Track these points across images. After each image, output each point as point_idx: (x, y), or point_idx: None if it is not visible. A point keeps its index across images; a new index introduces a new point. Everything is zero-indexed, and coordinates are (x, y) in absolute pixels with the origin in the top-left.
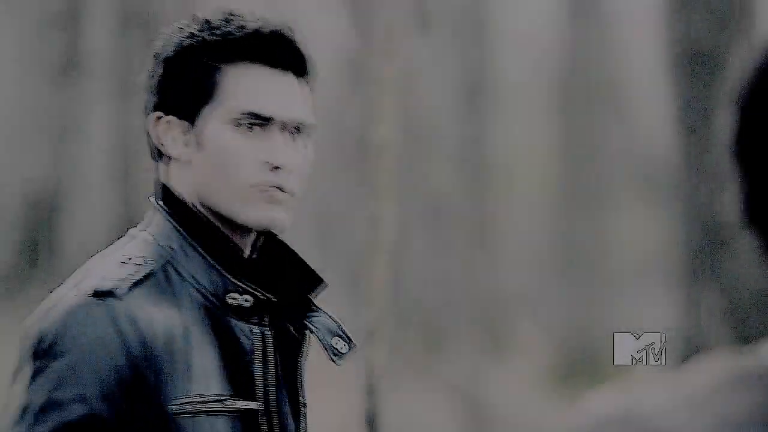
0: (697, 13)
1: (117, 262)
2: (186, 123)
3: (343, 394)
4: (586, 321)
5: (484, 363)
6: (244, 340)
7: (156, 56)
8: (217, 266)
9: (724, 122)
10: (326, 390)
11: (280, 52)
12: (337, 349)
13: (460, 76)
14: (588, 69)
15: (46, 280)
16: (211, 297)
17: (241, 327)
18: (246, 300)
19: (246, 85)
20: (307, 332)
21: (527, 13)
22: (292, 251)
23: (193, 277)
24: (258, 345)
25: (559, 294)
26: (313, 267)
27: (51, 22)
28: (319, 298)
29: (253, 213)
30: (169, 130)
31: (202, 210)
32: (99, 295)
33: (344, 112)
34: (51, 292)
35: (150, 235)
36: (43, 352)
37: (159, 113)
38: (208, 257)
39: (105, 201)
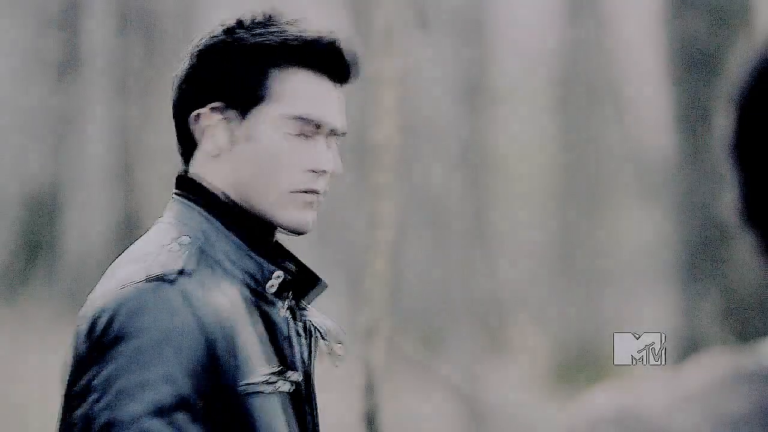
0: (696, 12)
1: (165, 246)
2: (238, 119)
3: (342, 393)
4: (585, 320)
5: (482, 362)
6: (279, 323)
7: (201, 52)
8: (252, 253)
9: (723, 122)
10: (325, 389)
11: (335, 63)
12: (337, 353)
13: (459, 75)
14: (587, 68)
15: (45, 279)
16: (249, 281)
17: (275, 311)
18: (274, 286)
19: (297, 90)
20: (313, 329)
21: (526, 13)
22: (290, 252)
23: (230, 261)
24: (289, 330)
25: (557, 293)
26: (313, 266)
27: (51, 21)
28: (319, 295)
29: (287, 215)
30: (219, 124)
31: (237, 201)
32: (166, 277)
33: None
34: (52, 290)
35: (181, 223)
36: (122, 335)
37: (215, 104)
38: (244, 244)
39: (104, 200)
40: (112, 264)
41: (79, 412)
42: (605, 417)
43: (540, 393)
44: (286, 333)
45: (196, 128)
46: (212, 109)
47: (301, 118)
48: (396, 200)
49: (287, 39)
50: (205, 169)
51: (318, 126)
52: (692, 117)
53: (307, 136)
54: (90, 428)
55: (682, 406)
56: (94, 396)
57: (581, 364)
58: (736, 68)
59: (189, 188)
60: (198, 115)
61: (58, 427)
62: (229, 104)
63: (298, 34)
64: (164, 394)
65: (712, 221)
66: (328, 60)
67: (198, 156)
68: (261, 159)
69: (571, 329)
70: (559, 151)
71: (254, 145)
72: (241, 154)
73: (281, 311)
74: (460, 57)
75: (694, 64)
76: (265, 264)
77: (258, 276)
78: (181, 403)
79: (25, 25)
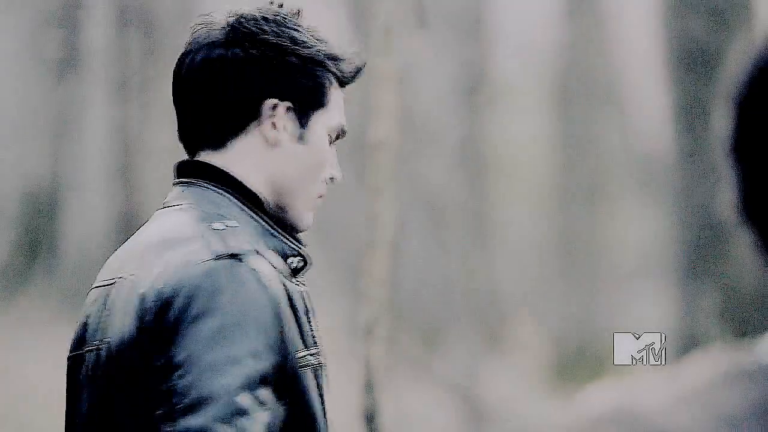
0: (695, 11)
1: (212, 227)
2: (299, 119)
3: (341, 391)
4: (584, 318)
5: (482, 360)
6: (303, 299)
7: (258, 41)
8: (274, 231)
9: (722, 120)
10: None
11: (354, 79)
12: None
13: (458, 73)
14: (586, 67)
15: (44, 277)
16: (274, 259)
17: (298, 288)
18: (299, 262)
19: (338, 101)
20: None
21: (525, 11)
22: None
23: (262, 241)
24: (309, 305)
25: (556, 291)
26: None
27: (50, 19)
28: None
29: (305, 215)
30: (287, 119)
31: (267, 194)
32: (237, 255)
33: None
34: (51, 288)
35: (213, 206)
36: (203, 313)
37: (288, 103)
38: (270, 225)
39: (103, 198)
40: (136, 248)
41: (163, 386)
42: (604, 415)
43: (539, 391)
44: (308, 307)
45: (264, 116)
46: (288, 108)
47: (342, 129)
48: (395, 199)
49: (338, 57)
50: (247, 160)
51: (343, 136)
52: (691, 115)
53: (332, 144)
54: (177, 403)
55: (681, 404)
56: (179, 372)
57: (581, 362)
58: (735, 65)
59: (213, 176)
60: (275, 106)
61: (84, 402)
62: (295, 103)
63: (344, 54)
64: (251, 369)
65: (711, 219)
66: (353, 78)
67: (238, 144)
68: (309, 161)
69: (571, 327)
70: (558, 149)
71: (307, 147)
72: (291, 152)
73: (301, 287)
74: (460, 55)
75: (693, 63)
76: (290, 241)
77: (282, 253)
78: (265, 378)
79: (24, 23)
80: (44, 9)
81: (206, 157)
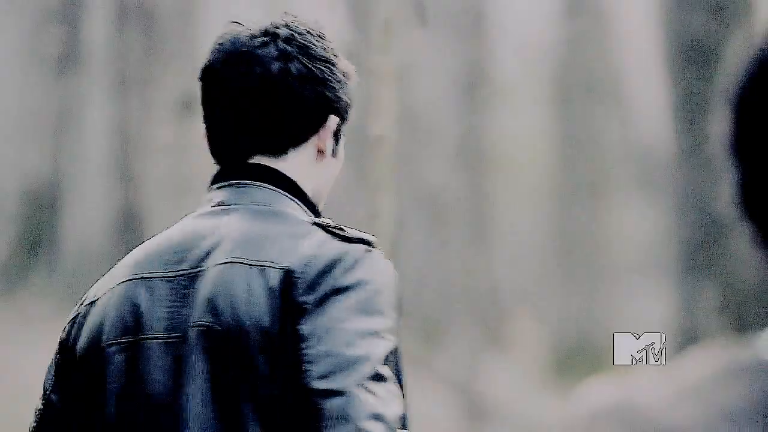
0: (695, 7)
1: (317, 221)
2: (337, 133)
3: None
4: (584, 314)
5: (482, 357)
6: None
7: (329, 60)
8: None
9: (722, 115)
10: None
11: None
12: None
13: (457, 70)
14: (586, 63)
15: (44, 274)
16: None
17: None
18: None
19: None
20: None
21: (525, 7)
22: None
23: None
24: None
25: (556, 288)
26: None
27: (50, 16)
28: None
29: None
30: (332, 133)
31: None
32: (372, 242)
33: None
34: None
35: (296, 207)
36: (342, 287)
37: (338, 119)
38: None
39: (103, 194)
40: (223, 238)
41: (300, 354)
42: (603, 410)
43: (539, 388)
44: None
45: (326, 130)
46: (338, 125)
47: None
48: (394, 194)
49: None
50: (306, 169)
51: None
52: (691, 112)
53: None
54: (315, 369)
55: (680, 400)
56: (318, 340)
57: (580, 359)
58: (734, 61)
59: (279, 183)
60: (334, 122)
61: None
62: (340, 118)
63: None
64: (388, 343)
65: (710, 215)
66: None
67: (296, 153)
68: (335, 174)
69: (571, 324)
70: (558, 146)
71: (336, 161)
72: (328, 164)
73: None
74: (459, 53)
75: (692, 60)
76: None
77: None
78: (393, 352)
79: (25, 20)
80: (44, 6)
81: (265, 161)
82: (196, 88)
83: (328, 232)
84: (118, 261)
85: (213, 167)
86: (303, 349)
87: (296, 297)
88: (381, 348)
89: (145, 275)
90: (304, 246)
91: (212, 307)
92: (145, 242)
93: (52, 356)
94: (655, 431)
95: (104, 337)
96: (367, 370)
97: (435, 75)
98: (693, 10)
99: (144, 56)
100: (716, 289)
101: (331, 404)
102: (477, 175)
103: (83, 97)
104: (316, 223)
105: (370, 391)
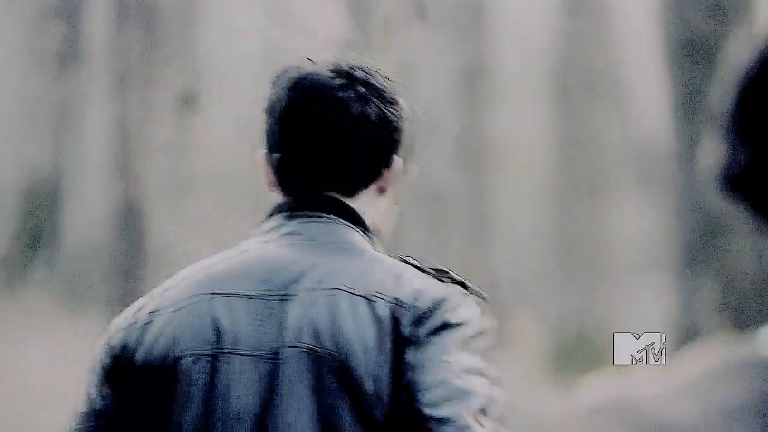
0: (695, 4)
1: (410, 260)
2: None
3: None
4: (584, 312)
5: None
6: None
7: (400, 107)
8: None
9: (722, 112)
10: None
11: None
12: None
13: (457, 66)
14: (586, 59)
15: (45, 268)
16: None
17: None
18: None
19: None
20: None
21: (525, 4)
22: None
23: None
24: None
25: (556, 287)
26: None
27: (50, 14)
28: None
29: None
30: (396, 174)
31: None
32: (460, 283)
33: None
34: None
35: (365, 241)
36: (449, 323)
37: (401, 160)
38: None
39: (103, 192)
40: (311, 266)
41: (435, 377)
42: (602, 407)
43: (539, 386)
44: None
45: (391, 171)
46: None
47: None
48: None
49: None
50: (370, 207)
51: None
52: (691, 109)
53: None
54: (425, 396)
55: (679, 396)
56: (428, 370)
57: (580, 358)
58: (734, 57)
59: (350, 216)
60: (399, 163)
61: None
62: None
63: None
64: (487, 383)
65: (710, 215)
66: None
67: (364, 193)
68: (391, 209)
69: (571, 322)
70: (558, 143)
71: (389, 200)
72: (385, 203)
73: None
74: (459, 48)
75: (693, 57)
76: None
77: None
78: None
79: (24, 16)
80: (44, 2)
81: (353, 199)
82: (197, 86)
83: (421, 270)
84: (118, 262)
85: (215, 167)
86: (414, 376)
87: (404, 327)
88: (485, 387)
89: (226, 292)
90: (411, 281)
91: (313, 330)
92: (207, 261)
93: (96, 361)
94: (654, 428)
95: (178, 348)
96: (476, 403)
97: (435, 71)
98: (693, 9)
99: (144, 54)
100: (716, 287)
101: (446, 430)
102: (477, 172)
103: (83, 95)
104: (402, 259)
105: (482, 425)
